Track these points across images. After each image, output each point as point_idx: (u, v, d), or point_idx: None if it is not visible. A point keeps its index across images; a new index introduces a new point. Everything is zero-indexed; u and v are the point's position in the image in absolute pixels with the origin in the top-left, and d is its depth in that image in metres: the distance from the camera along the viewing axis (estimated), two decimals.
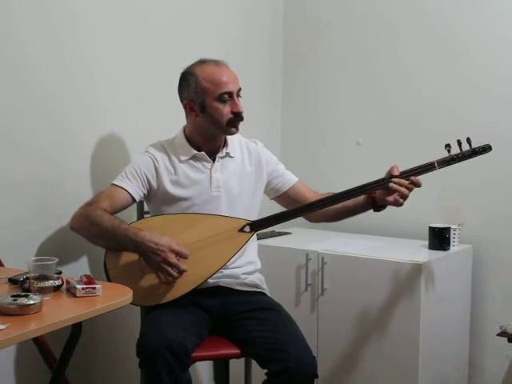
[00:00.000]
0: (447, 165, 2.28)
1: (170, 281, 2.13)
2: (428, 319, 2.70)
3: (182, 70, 2.34)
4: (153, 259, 2.10)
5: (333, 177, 3.46)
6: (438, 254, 2.85)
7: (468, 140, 2.26)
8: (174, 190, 2.30)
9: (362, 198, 2.34)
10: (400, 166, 2.27)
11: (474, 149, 2.28)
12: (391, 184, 2.23)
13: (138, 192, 2.29)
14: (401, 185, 2.22)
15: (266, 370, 2.12)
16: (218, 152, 2.36)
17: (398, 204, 2.24)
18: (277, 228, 3.35)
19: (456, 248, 2.94)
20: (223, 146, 2.38)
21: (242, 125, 2.32)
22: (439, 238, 2.90)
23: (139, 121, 2.73)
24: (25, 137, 2.33)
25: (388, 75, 3.30)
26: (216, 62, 2.30)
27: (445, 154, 2.27)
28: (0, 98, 2.24)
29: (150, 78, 2.78)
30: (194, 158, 2.34)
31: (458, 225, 2.96)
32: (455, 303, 2.97)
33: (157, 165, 2.31)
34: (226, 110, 2.27)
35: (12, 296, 1.62)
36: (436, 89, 3.17)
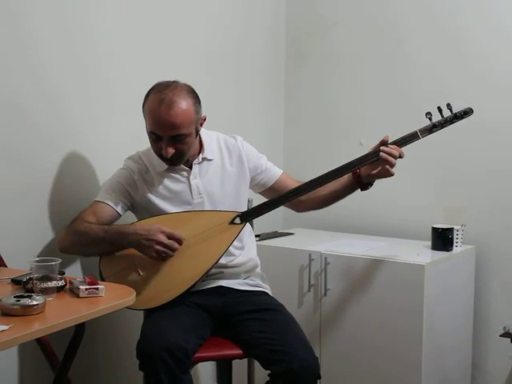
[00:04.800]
0: (429, 133, 2.30)
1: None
2: (431, 320, 2.70)
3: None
4: (146, 245, 2.11)
5: None
6: (442, 255, 2.84)
7: (448, 105, 2.26)
8: (155, 201, 2.30)
9: (347, 179, 2.36)
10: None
11: (455, 113, 2.28)
12: (381, 153, 2.25)
13: (121, 205, 2.29)
14: (391, 154, 2.25)
15: (268, 371, 2.11)
16: (193, 159, 2.34)
17: (388, 174, 2.26)
18: (279, 229, 3.36)
19: (459, 249, 2.94)
20: (199, 153, 2.35)
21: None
22: (442, 239, 2.89)
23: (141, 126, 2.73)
24: (28, 142, 2.34)
25: (392, 75, 3.29)
26: (163, 99, 2.17)
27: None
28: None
29: (151, 81, 2.78)
30: (171, 168, 2.32)
31: (461, 225, 2.96)
32: (458, 304, 2.97)
33: (135, 177, 2.31)
34: (155, 146, 2.25)
35: (15, 297, 1.62)
36: (442, 90, 3.14)
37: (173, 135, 2.19)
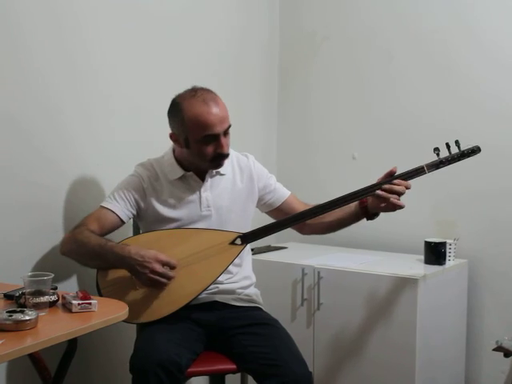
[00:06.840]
0: (436, 168, 2.28)
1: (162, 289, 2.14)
2: (424, 334, 2.70)
3: (173, 89, 2.32)
4: (140, 272, 2.10)
5: (329, 191, 3.42)
6: (434, 269, 2.84)
7: (457, 142, 2.26)
8: (163, 210, 2.30)
9: (353, 208, 2.35)
10: None
11: (463, 151, 2.27)
12: (377, 192, 2.22)
13: (126, 213, 2.29)
14: (391, 191, 2.21)
15: None
16: (207, 171, 2.34)
17: (395, 208, 2.23)
18: (273, 243, 3.35)
19: (452, 263, 2.94)
20: None
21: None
22: (435, 253, 2.90)
23: (141, 136, 2.74)
24: (23, 158, 2.34)
25: (383, 90, 3.31)
26: (204, 99, 2.20)
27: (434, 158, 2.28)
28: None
29: (148, 93, 2.79)
30: (183, 177, 2.32)
31: (454, 239, 2.97)
32: (451, 318, 2.97)
33: (144, 185, 2.31)
34: (209, 150, 2.23)
35: (7, 312, 1.62)
36: (429, 104, 3.17)
37: (225, 128, 2.23)
